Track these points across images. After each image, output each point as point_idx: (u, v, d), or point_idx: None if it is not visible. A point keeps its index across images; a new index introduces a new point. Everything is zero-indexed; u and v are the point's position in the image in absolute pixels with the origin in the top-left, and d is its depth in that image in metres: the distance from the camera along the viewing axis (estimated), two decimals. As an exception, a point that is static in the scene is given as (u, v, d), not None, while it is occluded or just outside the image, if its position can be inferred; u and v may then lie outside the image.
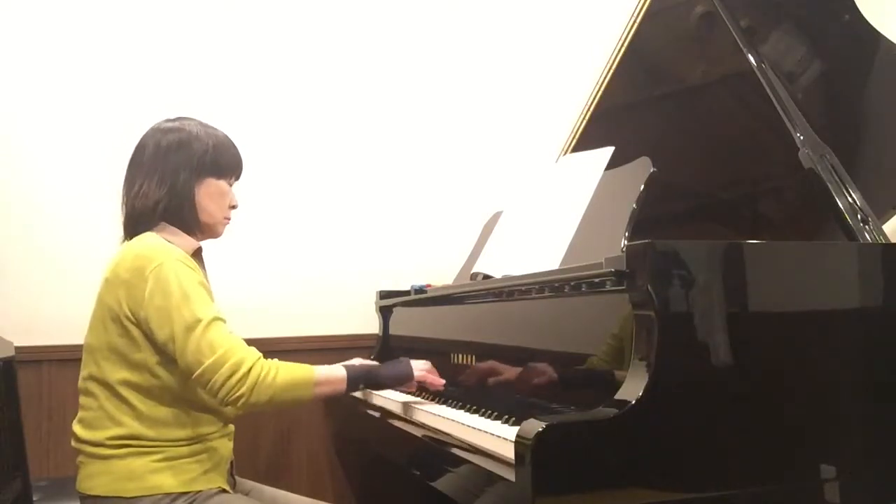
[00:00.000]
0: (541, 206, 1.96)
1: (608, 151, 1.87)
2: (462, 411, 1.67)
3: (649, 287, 1.22)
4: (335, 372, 1.64)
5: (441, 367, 1.85)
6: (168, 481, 1.52)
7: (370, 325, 2.60)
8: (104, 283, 1.57)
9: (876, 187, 1.73)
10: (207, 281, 1.66)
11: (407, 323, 2.44)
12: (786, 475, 1.26)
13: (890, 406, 1.35)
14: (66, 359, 2.24)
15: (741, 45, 1.82)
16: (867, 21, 1.92)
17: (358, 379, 1.65)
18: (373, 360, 2.44)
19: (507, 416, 1.50)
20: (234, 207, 1.71)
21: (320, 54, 2.72)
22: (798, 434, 1.29)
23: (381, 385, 1.76)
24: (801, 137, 1.67)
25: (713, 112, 2.11)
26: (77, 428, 1.58)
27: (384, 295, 2.54)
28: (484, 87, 2.90)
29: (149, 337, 1.52)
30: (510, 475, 1.22)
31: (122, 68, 2.48)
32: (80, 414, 1.59)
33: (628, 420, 1.17)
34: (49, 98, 2.41)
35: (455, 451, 1.48)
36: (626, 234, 1.61)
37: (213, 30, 2.59)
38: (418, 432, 1.70)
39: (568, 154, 2.29)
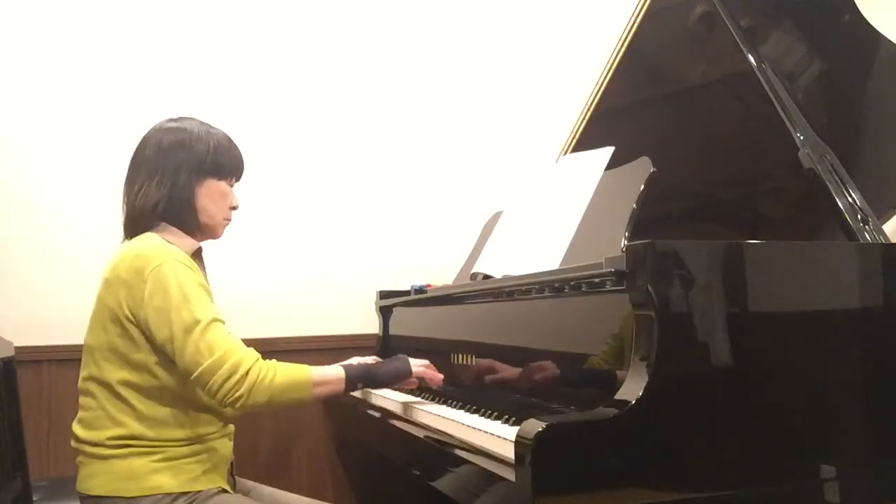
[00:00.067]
0: (541, 206, 1.96)
1: (608, 151, 1.87)
2: (462, 411, 1.67)
3: (649, 287, 1.22)
4: (333, 372, 1.64)
5: (441, 367, 1.85)
6: (168, 481, 1.52)
7: (370, 325, 2.60)
8: (104, 284, 1.57)
9: (876, 187, 1.73)
10: (207, 281, 1.66)
11: (407, 323, 2.44)
12: (786, 475, 1.26)
13: (890, 406, 1.35)
14: (66, 359, 2.24)
15: (741, 45, 1.81)
16: (867, 21, 1.92)
17: (356, 378, 1.65)
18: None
19: (507, 416, 1.50)
20: (234, 208, 1.71)
21: (320, 55, 2.72)
22: (798, 434, 1.29)
23: (379, 383, 1.76)
24: (801, 137, 1.67)
25: (713, 112, 2.10)
26: (77, 428, 1.58)
27: (384, 295, 2.54)
28: (484, 88, 2.90)
29: (148, 337, 1.52)
30: (510, 475, 1.22)
31: (123, 68, 2.48)
32: (80, 414, 1.59)
33: (628, 420, 1.17)
34: (49, 98, 2.41)
35: (455, 451, 1.48)
36: (626, 234, 1.61)
37: (213, 30, 2.59)
38: (418, 432, 1.70)
39: (568, 154, 2.29)
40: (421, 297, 2.31)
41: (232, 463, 1.70)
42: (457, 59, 2.87)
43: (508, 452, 1.23)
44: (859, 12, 1.92)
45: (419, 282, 2.41)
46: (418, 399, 1.92)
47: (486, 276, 1.99)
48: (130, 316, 1.52)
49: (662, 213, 1.88)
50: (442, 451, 1.54)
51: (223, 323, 1.54)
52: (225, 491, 1.60)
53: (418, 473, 1.71)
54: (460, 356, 1.87)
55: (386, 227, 2.76)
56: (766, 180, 2.04)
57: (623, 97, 2.29)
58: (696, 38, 2.07)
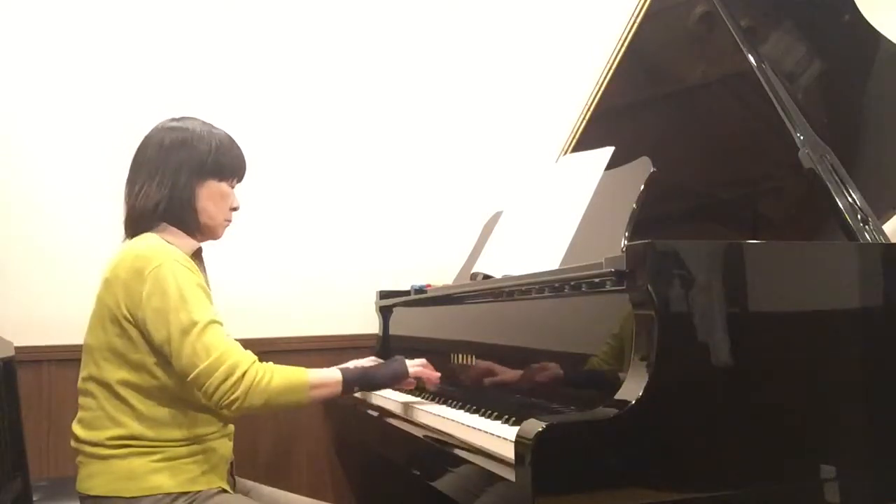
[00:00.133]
0: (541, 206, 1.96)
1: (608, 151, 1.87)
2: (462, 411, 1.67)
3: (649, 287, 1.22)
4: (330, 375, 1.63)
5: (441, 367, 1.85)
6: (167, 481, 1.52)
7: (370, 325, 2.60)
8: (103, 284, 1.57)
9: (876, 187, 1.73)
10: (207, 282, 1.66)
11: (407, 323, 2.44)
12: (786, 475, 1.26)
13: (890, 406, 1.35)
14: (66, 359, 2.24)
15: (741, 45, 1.81)
16: (867, 21, 1.92)
17: (353, 381, 1.65)
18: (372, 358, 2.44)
19: (507, 416, 1.50)
20: (235, 209, 1.70)
21: (320, 55, 2.72)
22: (798, 434, 1.29)
23: (376, 386, 1.75)
24: (801, 137, 1.67)
25: (713, 112, 2.10)
26: (76, 428, 1.58)
27: (384, 295, 2.54)
28: (484, 88, 2.90)
29: (146, 338, 1.52)
30: (510, 475, 1.22)
31: (123, 68, 2.48)
32: (80, 414, 1.59)
33: (628, 420, 1.17)
34: (49, 98, 2.41)
35: (455, 451, 1.48)
36: (626, 234, 1.61)
37: (213, 30, 2.59)
38: (418, 432, 1.70)
39: (568, 154, 2.29)
40: (421, 297, 2.31)
41: (232, 463, 1.70)
42: (457, 59, 2.87)
43: (508, 452, 1.23)
44: (859, 12, 1.92)
45: (419, 282, 2.41)
46: (418, 399, 1.92)
47: (486, 276, 1.99)
48: (129, 316, 1.52)
49: (662, 213, 1.88)
50: (442, 451, 1.54)
51: (221, 325, 1.54)
52: (225, 491, 1.60)
53: (418, 473, 1.71)
54: (460, 356, 1.87)
55: (386, 227, 2.76)
56: (766, 180, 2.04)
57: (623, 97, 2.29)
58: (696, 38, 2.07)
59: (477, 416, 1.60)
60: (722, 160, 2.07)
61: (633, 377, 1.22)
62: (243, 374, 1.48)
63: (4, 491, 1.55)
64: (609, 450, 1.16)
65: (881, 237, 1.57)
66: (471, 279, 2.10)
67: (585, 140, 2.30)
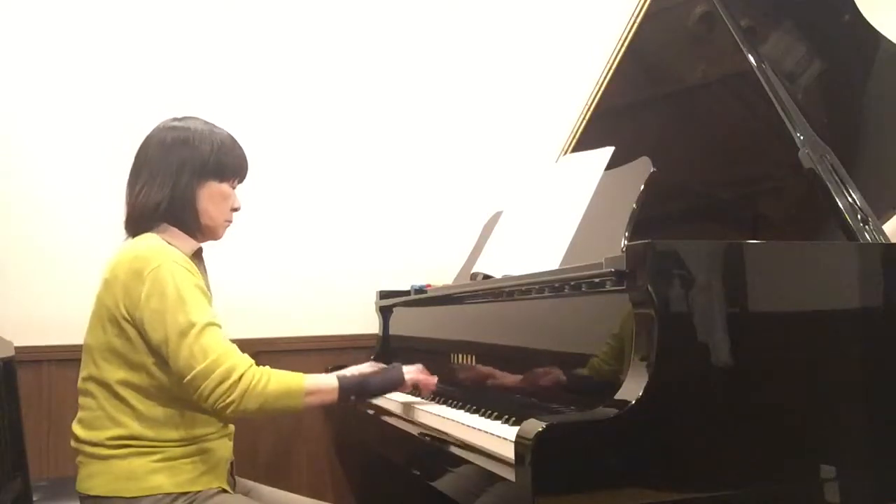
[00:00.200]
0: (541, 206, 1.96)
1: (608, 151, 1.87)
2: (462, 411, 1.67)
3: (649, 287, 1.22)
4: (327, 381, 1.61)
5: (441, 367, 1.85)
6: (167, 481, 1.52)
7: (370, 325, 2.60)
8: (103, 284, 1.57)
9: (876, 187, 1.73)
10: (207, 282, 1.66)
11: (407, 323, 2.44)
12: (786, 475, 1.26)
13: (890, 406, 1.35)
14: (66, 359, 2.24)
15: (741, 45, 1.81)
16: (867, 21, 1.92)
17: (350, 389, 1.63)
18: (372, 359, 2.44)
19: (507, 416, 1.50)
20: (236, 210, 1.70)
21: (320, 55, 2.72)
22: (798, 434, 1.29)
23: (373, 394, 1.73)
24: (801, 137, 1.67)
25: (713, 112, 2.10)
26: (76, 428, 1.58)
27: (384, 295, 2.54)
28: (484, 88, 2.90)
29: (144, 338, 1.52)
30: (510, 475, 1.22)
31: (123, 68, 2.48)
32: (80, 414, 1.59)
33: (628, 420, 1.17)
34: (49, 98, 2.41)
35: (455, 451, 1.48)
36: (626, 234, 1.61)
37: (213, 30, 2.59)
38: (418, 432, 1.70)
39: (568, 154, 2.29)
40: (421, 297, 2.31)
41: (232, 463, 1.70)
42: (457, 59, 2.87)
43: (508, 452, 1.23)
44: (859, 12, 1.92)
45: (419, 282, 2.41)
46: (418, 399, 1.91)
47: (486, 276, 1.99)
48: (128, 316, 1.52)
49: (662, 213, 1.88)
50: (442, 451, 1.54)
51: (219, 327, 1.54)
52: (225, 491, 1.60)
53: (418, 473, 1.71)
54: (460, 356, 1.87)
55: (386, 227, 2.76)
56: (766, 180, 2.04)
57: (623, 97, 2.29)
58: (696, 38, 2.07)
59: (477, 416, 1.60)
60: (722, 160, 2.07)
61: (633, 377, 1.22)
62: (240, 378, 1.48)
63: (4, 491, 1.55)
64: (609, 450, 1.16)
65: (881, 237, 1.57)
66: (471, 279, 2.10)
67: (585, 140, 2.30)
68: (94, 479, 1.54)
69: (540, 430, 1.12)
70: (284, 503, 1.75)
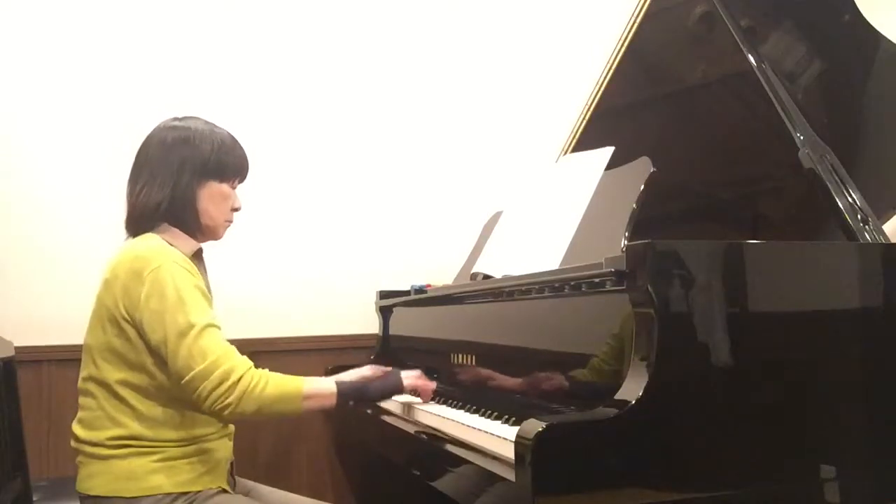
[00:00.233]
0: (541, 206, 1.96)
1: (608, 151, 1.87)
2: (462, 411, 1.67)
3: (649, 287, 1.22)
4: (325, 386, 1.61)
5: (441, 367, 1.85)
6: (167, 481, 1.52)
7: (370, 325, 2.60)
8: (103, 284, 1.57)
9: (876, 187, 1.73)
10: (208, 283, 1.66)
11: (407, 323, 2.44)
12: (786, 475, 1.26)
13: (890, 406, 1.35)
14: (66, 359, 2.24)
15: (741, 45, 1.81)
16: (867, 21, 1.92)
17: (348, 395, 1.62)
18: (372, 360, 2.45)
19: (507, 416, 1.51)
20: (236, 210, 1.70)
21: (320, 55, 2.72)
22: (798, 434, 1.29)
23: (371, 400, 1.73)
24: (801, 137, 1.67)
25: (713, 112, 2.10)
26: (76, 428, 1.58)
27: (384, 295, 2.54)
28: (484, 88, 2.90)
29: (143, 338, 1.52)
30: (510, 475, 1.21)
31: (123, 68, 2.48)
32: (80, 414, 1.59)
33: (628, 420, 1.17)
34: (49, 98, 2.41)
35: (455, 450, 1.48)
36: (626, 234, 1.61)
37: (213, 30, 2.59)
38: (418, 432, 1.70)
39: (568, 154, 2.29)
40: (421, 297, 2.31)
41: (232, 463, 1.70)
42: (457, 59, 2.87)
43: (508, 452, 1.23)
44: (859, 12, 1.92)
45: (419, 282, 2.41)
46: (418, 399, 1.91)
47: (486, 276, 1.99)
48: (127, 317, 1.52)
49: (662, 213, 1.88)
50: (442, 451, 1.54)
51: (218, 329, 1.53)
52: (225, 491, 1.60)
53: (418, 473, 1.71)
54: (460, 356, 1.87)
55: (386, 227, 2.76)
56: (766, 180, 2.04)
57: (623, 97, 2.29)
58: (696, 38, 2.07)
59: (477, 416, 1.60)
60: (722, 160, 2.07)
61: (633, 377, 1.22)
62: (238, 380, 1.48)
63: (4, 491, 1.55)
64: (609, 450, 1.16)
65: (881, 237, 1.57)
66: (471, 279, 2.10)
67: (585, 140, 2.30)
68: (94, 479, 1.54)
69: (540, 430, 1.12)
70: (284, 503, 1.75)
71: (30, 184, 2.37)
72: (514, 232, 2.02)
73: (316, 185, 2.69)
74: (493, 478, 1.29)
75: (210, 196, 1.64)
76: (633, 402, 1.18)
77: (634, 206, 1.65)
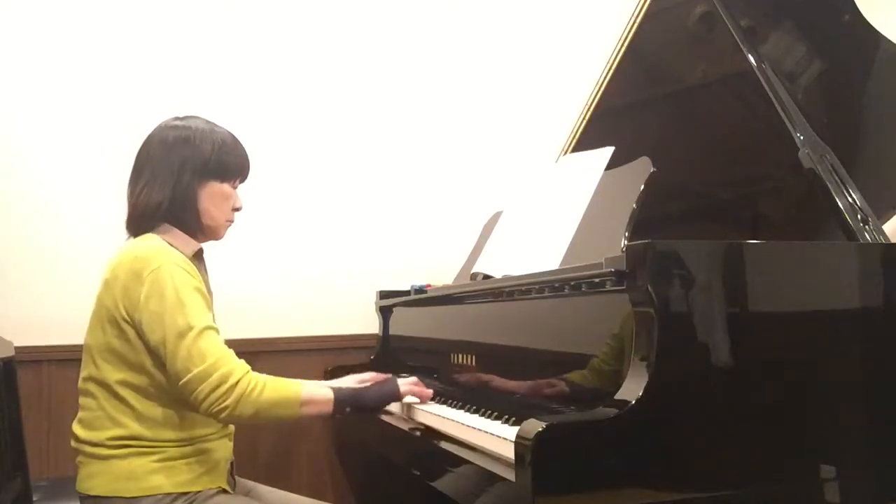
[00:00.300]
0: (541, 206, 1.96)
1: (608, 151, 1.87)
2: (462, 411, 1.67)
3: (649, 287, 1.22)
4: (323, 393, 1.60)
5: (441, 367, 1.85)
6: (166, 482, 1.52)
7: (370, 325, 2.60)
8: (103, 284, 1.57)
9: (876, 187, 1.73)
10: (208, 283, 1.66)
11: (407, 323, 2.44)
12: (786, 475, 1.26)
13: (890, 406, 1.35)
14: (66, 359, 2.24)
15: (741, 45, 1.81)
16: (867, 21, 1.92)
17: (345, 402, 1.62)
18: (372, 360, 2.45)
19: (507, 416, 1.50)
20: (237, 210, 1.70)
21: (320, 55, 2.72)
22: (798, 434, 1.29)
23: (367, 408, 1.72)
24: (801, 137, 1.67)
25: (713, 112, 2.10)
26: (77, 428, 1.58)
27: (384, 295, 2.54)
28: (484, 88, 2.90)
29: (143, 339, 1.52)
30: (510, 475, 1.21)
31: (123, 68, 2.48)
32: (80, 414, 1.59)
33: (628, 420, 1.17)
34: (49, 98, 2.41)
35: (455, 450, 1.48)
36: (626, 234, 1.61)
37: (214, 30, 2.59)
38: (418, 432, 1.70)
39: (568, 154, 2.29)
40: (421, 297, 2.31)
41: (232, 463, 1.70)
42: (457, 59, 2.87)
43: (508, 452, 1.23)
44: (859, 12, 1.92)
45: (419, 282, 2.41)
46: (417, 399, 1.91)
47: (486, 276, 1.99)
48: (127, 317, 1.52)
49: (662, 213, 1.88)
50: (442, 451, 1.54)
51: (217, 331, 1.53)
52: (225, 491, 1.60)
53: (418, 473, 1.71)
54: (460, 356, 1.87)
55: (386, 227, 2.76)
56: (766, 180, 2.04)
57: (623, 97, 2.29)
58: (696, 38, 2.07)
59: (477, 415, 1.60)
60: (722, 160, 2.07)
61: (633, 377, 1.22)
62: (236, 383, 1.48)
63: (4, 491, 1.55)
64: (609, 450, 1.16)
65: (881, 237, 1.57)
66: (471, 279, 2.10)
67: (585, 140, 2.30)
68: (94, 479, 1.54)
69: (540, 430, 1.12)
70: (284, 503, 1.75)
71: (30, 184, 2.37)
72: (514, 232, 2.02)
73: (316, 185, 2.69)
74: (493, 478, 1.29)
75: (211, 196, 1.64)
76: (633, 402, 1.17)
77: (634, 206, 1.65)
